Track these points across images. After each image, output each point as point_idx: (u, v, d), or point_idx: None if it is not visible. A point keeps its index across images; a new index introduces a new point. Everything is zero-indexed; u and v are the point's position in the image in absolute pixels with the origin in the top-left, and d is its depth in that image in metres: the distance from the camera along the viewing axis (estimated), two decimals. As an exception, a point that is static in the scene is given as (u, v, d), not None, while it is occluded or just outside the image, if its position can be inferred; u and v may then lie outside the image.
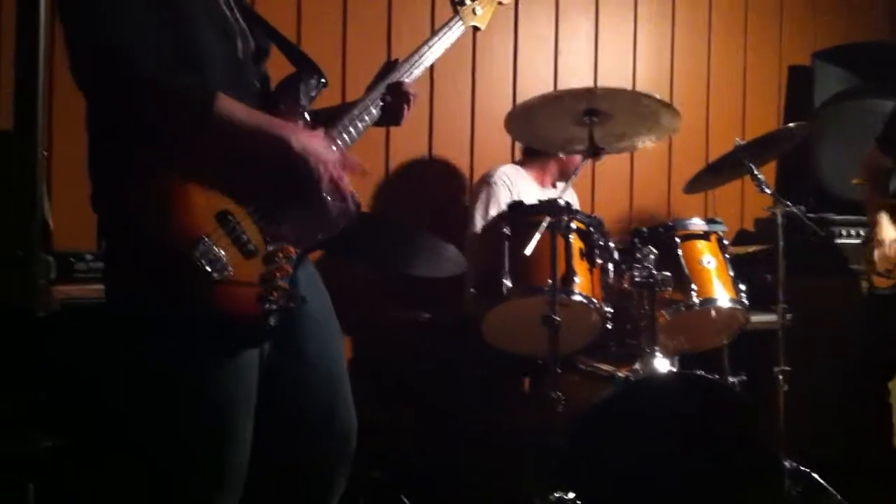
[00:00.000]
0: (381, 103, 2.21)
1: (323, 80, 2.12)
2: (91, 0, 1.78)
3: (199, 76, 1.89)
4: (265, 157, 1.91)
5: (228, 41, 2.00)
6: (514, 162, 4.03)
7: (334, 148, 2.01)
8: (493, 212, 3.59)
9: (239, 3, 2.08)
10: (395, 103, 2.25)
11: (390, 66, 2.28)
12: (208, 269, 1.76)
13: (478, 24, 2.47)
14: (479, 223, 3.62)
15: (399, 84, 2.24)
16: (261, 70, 2.12)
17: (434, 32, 2.38)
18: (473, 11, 2.44)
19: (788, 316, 3.48)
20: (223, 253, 1.80)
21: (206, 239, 1.78)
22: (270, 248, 1.90)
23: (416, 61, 2.30)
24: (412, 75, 2.29)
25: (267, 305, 1.85)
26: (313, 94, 2.10)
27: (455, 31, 2.40)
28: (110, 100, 1.83)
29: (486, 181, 3.73)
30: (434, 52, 2.34)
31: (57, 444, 2.18)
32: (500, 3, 2.54)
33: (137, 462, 1.94)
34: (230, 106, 1.84)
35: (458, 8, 2.42)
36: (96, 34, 1.77)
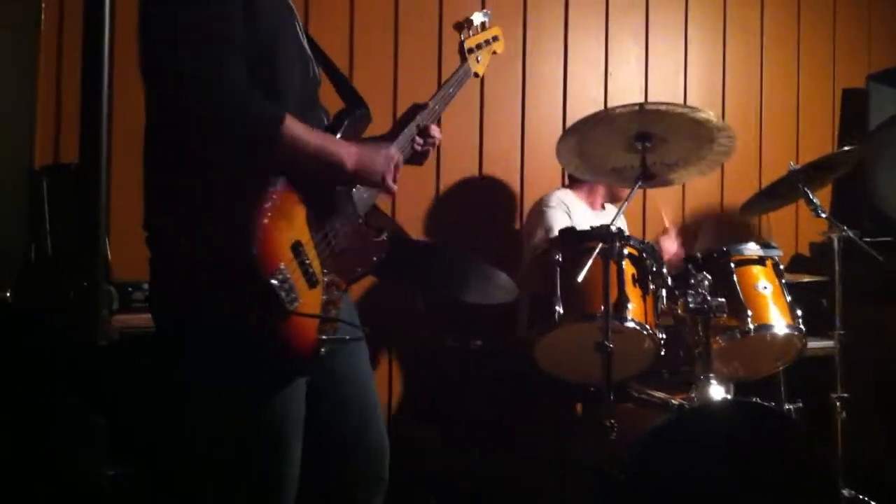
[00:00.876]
0: (412, 145, 2.33)
1: (369, 115, 2.21)
2: (183, 28, 1.82)
3: (279, 102, 1.93)
4: (326, 179, 1.98)
5: (304, 70, 2.08)
6: (563, 186, 4.03)
7: (392, 151, 2.10)
8: (550, 222, 3.64)
9: (306, 32, 2.16)
10: (423, 147, 2.38)
11: (417, 108, 2.38)
12: (283, 296, 1.78)
13: (479, 72, 2.68)
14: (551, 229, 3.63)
15: (427, 128, 2.37)
16: (315, 96, 2.19)
17: (448, 80, 2.56)
18: (477, 60, 2.66)
19: (846, 342, 3.42)
20: (295, 283, 1.83)
21: (283, 267, 1.81)
22: (327, 279, 1.95)
23: (438, 106, 2.44)
24: (433, 118, 2.41)
25: (323, 336, 1.90)
26: (360, 128, 2.18)
27: (465, 77, 2.60)
28: (200, 123, 1.84)
29: (543, 206, 3.74)
30: (451, 96, 2.50)
31: (121, 471, 2.22)
32: (494, 53, 2.73)
33: (198, 483, 1.97)
34: (296, 126, 1.87)
35: (468, 56, 2.62)
36: (187, 62, 1.79)
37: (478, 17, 2.69)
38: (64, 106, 3.29)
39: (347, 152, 1.97)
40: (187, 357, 1.92)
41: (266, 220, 1.80)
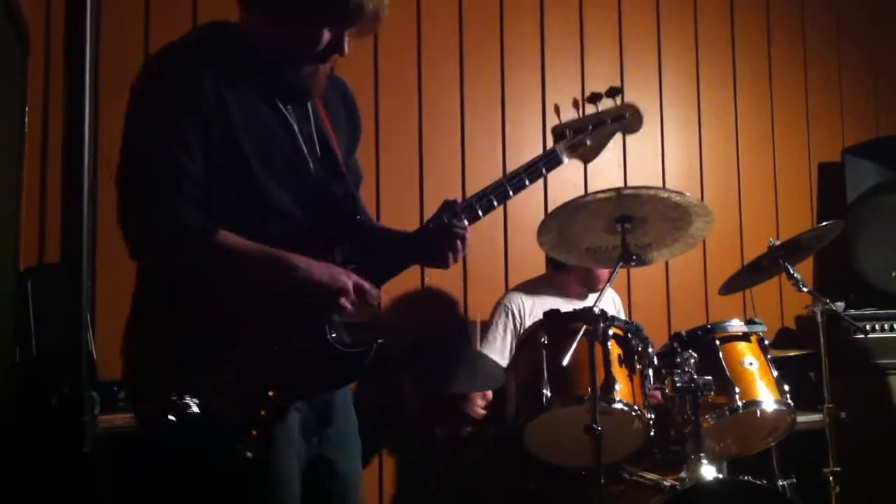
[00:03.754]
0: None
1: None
2: (132, 145, 1.92)
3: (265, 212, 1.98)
4: (275, 291, 1.95)
5: (297, 176, 2.04)
6: (542, 275, 4.03)
7: (345, 277, 1.98)
8: (491, 337, 3.69)
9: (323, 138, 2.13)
10: (442, 239, 2.12)
11: (448, 205, 2.14)
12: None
13: (587, 158, 2.30)
14: (491, 346, 3.68)
15: (450, 221, 2.11)
16: (337, 192, 2.15)
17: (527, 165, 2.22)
18: (587, 143, 2.27)
19: (841, 414, 3.42)
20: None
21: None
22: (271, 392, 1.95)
23: (484, 199, 2.14)
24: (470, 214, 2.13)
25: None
26: None
27: (548, 164, 2.24)
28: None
29: (497, 304, 3.79)
30: (502, 188, 2.16)
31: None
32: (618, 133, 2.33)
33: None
34: (232, 238, 1.90)
35: (559, 141, 2.26)
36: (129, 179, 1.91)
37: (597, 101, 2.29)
38: (49, 207, 3.32)
39: (297, 266, 1.94)
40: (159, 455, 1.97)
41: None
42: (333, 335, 2.00)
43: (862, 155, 4.95)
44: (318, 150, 2.10)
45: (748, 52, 5.05)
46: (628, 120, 2.32)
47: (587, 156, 2.29)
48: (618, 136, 4.24)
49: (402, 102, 4.16)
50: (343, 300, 1.95)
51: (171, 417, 1.84)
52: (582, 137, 2.26)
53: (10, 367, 2.89)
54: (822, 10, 5.29)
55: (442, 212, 2.13)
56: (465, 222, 2.10)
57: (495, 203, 2.14)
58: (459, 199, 2.14)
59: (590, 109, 2.28)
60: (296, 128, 2.06)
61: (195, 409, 1.85)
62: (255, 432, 1.91)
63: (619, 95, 2.30)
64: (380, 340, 2.03)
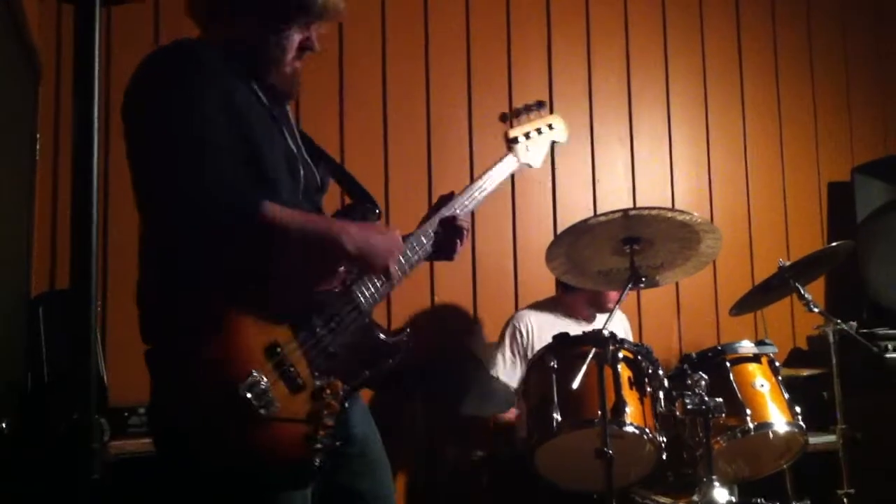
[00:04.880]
0: (433, 237, 2.24)
1: (378, 211, 2.17)
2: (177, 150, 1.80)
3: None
4: (319, 265, 1.93)
5: (293, 174, 2.04)
6: (551, 296, 4.04)
7: (397, 234, 2.03)
8: (499, 355, 3.67)
9: (305, 140, 2.14)
10: (448, 237, 2.27)
11: (445, 199, 2.31)
12: (255, 403, 1.72)
13: (530, 163, 2.54)
14: (498, 366, 3.66)
15: (451, 218, 2.26)
16: (318, 203, 2.15)
17: (488, 168, 2.44)
18: (527, 149, 2.52)
19: (849, 435, 3.40)
20: (272, 387, 1.76)
21: (256, 373, 1.75)
22: (319, 383, 1.87)
23: (471, 195, 2.33)
24: (466, 209, 2.31)
25: (314, 445, 1.80)
26: (370, 221, 2.14)
27: (508, 167, 2.47)
28: (178, 222, 1.80)
29: (501, 337, 3.78)
30: (489, 186, 2.39)
31: None
32: (554, 142, 2.60)
33: None
34: (278, 210, 1.81)
35: (512, 146, 2.50)
36: (180, 183, 1.77)
37: (527, 109, 2.57)
38: (59, 234, 3.35)
39: (346, 232, 1.90)
40: (176, 472, 1.86)
41: (229, 328, 1.76)
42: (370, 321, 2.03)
43: (871, 174, 4.94)
44: (305, 154, 2.12)
45: (756, 73, 5.06)
46: (558, 130, 2.61)
47: (534, 161, 2.54)
48: (627, 158, 4.26)
49: (409, 96, 4.20)
50: (393, 264, 1.98)
51: (261, 411, 1.72)
52: (529, 143, 2.52)
53: (23, 394, 2.90)
54: (830, 29, 5.30)
55: (439, 206, 2.27)
56: (464, 218, 2.28)
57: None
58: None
59: (524, 120, 2.55)
60: (284, 128, 2.08)
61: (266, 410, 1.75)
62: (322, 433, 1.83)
63: (545, 108, 2.60)
64: (408, 329, 2.10)
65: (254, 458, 1.76)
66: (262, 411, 1.73)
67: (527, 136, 2.53)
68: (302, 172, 2.05)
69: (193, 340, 1.75)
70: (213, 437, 1.73)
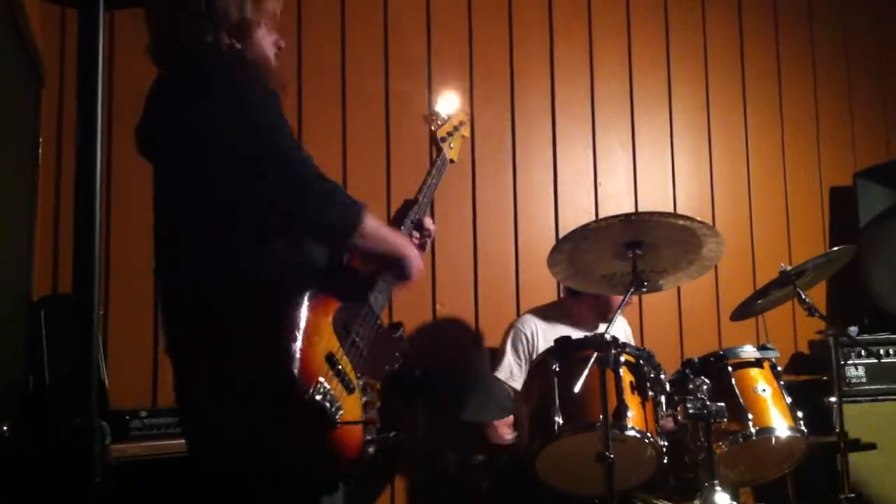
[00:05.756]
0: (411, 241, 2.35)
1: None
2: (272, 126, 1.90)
3: None
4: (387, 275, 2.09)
5: None
6: (555, 301, 4.03)
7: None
8: (503, 360, 3.69)
9: None
10: (421, 240, 2.42)
11: (410, 203, 2.44)
12: (328, 408, 1.80)
13: (453, 158, 2.78)
14: (504, 370, 3.69)
15: (422, 222, 2.41)
16: None
17: (429, 171, 2.61)
18: (450, 146, 2.76)
19: (850, 440, 3.39)
20: (335, 392, 1.85)
21: (322, 380, 1.83)
22: (361, 381, 1.97)
23: (426, 195, 2.49)
24: (424, 209, 2.45)
25: (368, 437, 1.92)
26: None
27: (444, 164, 2.68)
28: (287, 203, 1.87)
29: (505, 340, 3.78)
30: (435, 186, 2.56)
31: None
32: (463, 137, 2.84)
33: None
34: (374, 219, 1.97)
35: (442, 145, 2.73)
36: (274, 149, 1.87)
37: (443, 108, 2.88)
38: (62, 238, 3.35)
39: (412, 254, 2.09)
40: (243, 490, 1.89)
41: (302, 340, 1.83)
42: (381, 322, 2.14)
43: (873, 178, 4.94)
44: None
45: (758, 77, 5.06)
46: (465, 126, 2.88)
47: (455, 156, 2.77)
48: (629, 162, 4.25)
49: (410, 101, 4.20)
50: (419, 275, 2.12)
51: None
52: (452, 141, 2.77)
53: (24, 397, 2.90)
54: (832, 34, 5.30)
55: (406, 210, 2.40)
56: (431, 221, 2.44)
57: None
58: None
59: (445, 119, 2.80)
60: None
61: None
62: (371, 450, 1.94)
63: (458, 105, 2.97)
64: (401, 325, 2.24)
65: (329, 460, 1.85)
66: (334, 416, 1.81)
67: (450, 134, 2.78)
68: None
69: (273, 349, 1.81)
70: (294, 448, 1.82)
